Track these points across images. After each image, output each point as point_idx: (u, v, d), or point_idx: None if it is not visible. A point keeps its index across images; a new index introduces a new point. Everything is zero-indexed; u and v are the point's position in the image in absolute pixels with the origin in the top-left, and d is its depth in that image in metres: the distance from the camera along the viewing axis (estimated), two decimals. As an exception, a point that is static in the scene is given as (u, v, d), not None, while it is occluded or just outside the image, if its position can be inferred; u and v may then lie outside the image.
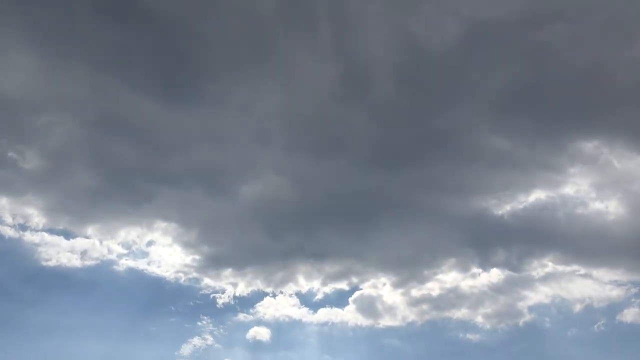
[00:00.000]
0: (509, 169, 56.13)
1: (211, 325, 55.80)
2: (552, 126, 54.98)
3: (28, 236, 55.14)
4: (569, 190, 56.77)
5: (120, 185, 55.75)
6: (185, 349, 54.17)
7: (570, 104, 54.25)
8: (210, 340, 55.21)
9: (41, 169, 54.02)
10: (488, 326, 55.29)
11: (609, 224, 55.81)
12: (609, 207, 56.24)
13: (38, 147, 53.65)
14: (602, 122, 54.21)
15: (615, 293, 54.36)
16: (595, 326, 54.03)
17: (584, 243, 55.62)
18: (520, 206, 56.72)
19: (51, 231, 55.99)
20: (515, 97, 54.13)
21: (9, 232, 54.32)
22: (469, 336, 55.50)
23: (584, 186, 56.53)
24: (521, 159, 55.62)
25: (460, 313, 55.93)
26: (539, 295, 55.16)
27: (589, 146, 54.96)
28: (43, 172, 54.14)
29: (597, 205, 56.80)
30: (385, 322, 56.67)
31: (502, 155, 55.62)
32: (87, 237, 56.77)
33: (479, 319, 55.65)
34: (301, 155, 57.34)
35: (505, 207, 56.60)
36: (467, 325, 55.80)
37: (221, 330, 55.99)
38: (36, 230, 55.35)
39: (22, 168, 53.23)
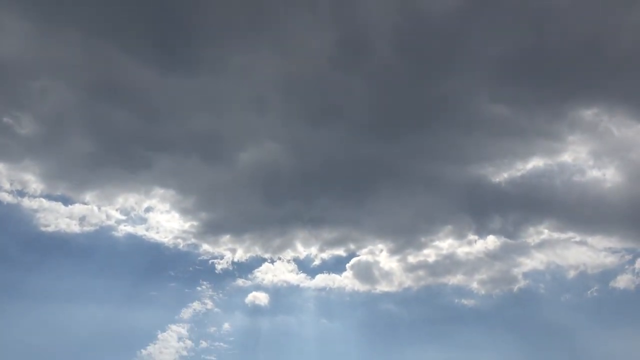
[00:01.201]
0: (507, 136, 56.03)
1: (210, 290, 56.60)
2: (552, 93, 54.63)
3: (26, 202, 55.35)
4: (567, 158, 56.83)
5: (117, 151, 55.64)
6: (186, 313, 55.08)
7: (571, 71, 53.80)
8: (210, 304, 56.09)
9: (37, 134, 53.83)
10: (483, 292, 56.17)
11: (605, 191, 56.10)
12: (607, 175, 56.44)
13: (33, 113, 53.31)
14: (603, 89, 53.87)
15: (610, 260, 55.08)
16: (589, 292, 54.92)
17: (580, 210, 56.04)
18: (518, 174, 56.88)
19: (49, 197, 56.19)
20: (516, 64, 53.64)
21: (8, 198, 54.54)
22: (464, 301, 56.44)
23: (582, 154, 56.58)
24: (520, 127, 55.47)
25: (456, 279, 56.74)
26: (534, 261, 55.86)
27: (588, 114, 54.79)
28: (39, 138, 53.98)
29: (595, 173, 56.99)
30: (382, 287, 57.52)
31: (501, 123, 55.44)
32: (85, 204, 57.02)
33: (474, 285, 56.50)
34: (299, 122, 57.10)
35: (503, 174, 56.77)
36: (462, 291, 56.70)
37: (220, 295, 56.84)
38: (34, 196, 55.52)
39: (18, 133, 53.03)
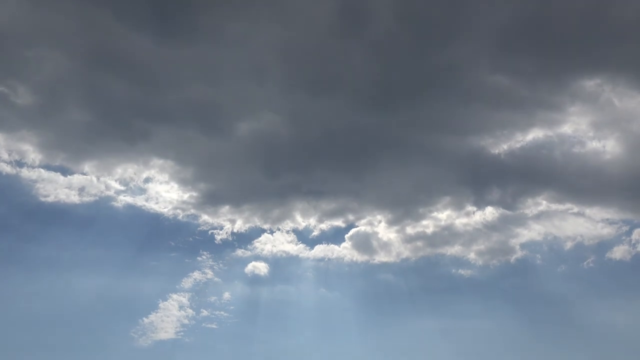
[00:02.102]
0: (507, 107, 55.60)
1: (211, 260, 57.12)
2: (554, 64, 53.94)
3: (25, 172, 55.28)
4: (567, 129, 56.54)
5: (114, 121, 55.28)
6: (186, 283, 55.72)
7: (574, 41, 52.94)
8: (210, 274, 56.69)
9: (34, 104, 53.36)
10: (480, 262, 56.76)
11: (605, 163, 56.04)
12: (606, 147, 56.27)
13: (29, 82, 52.74)
14: (606, 59, 53.07)
15: (607, 231, 55.48)
16: (585, 263, 55.51)
17: (578, 182, 56.10)
18: (518, 145, 56.69)
19: (48, 167, 56.11)
20: (517, 34, 52.74)
21: (6, 169, 54.48)
22: (461, 272, 57.09)
23: (583, 125, 56.26)
24: (521, 98, 54.98)
25: (454, 250, 57.26)
26: (531, 232, 56.28)
27: (590, 84, 54.19)
28: (36, 108, 53.51)
29: (595, 145, 56.81)
30: (380, 258, 58.08)
31: (502, 94, 54.91)
32: (84, 174, 56.98)
33: (472, 256, 57.05)
34: (298, 92, 56.49)
35: (502, 146, 56.57)
36: (459, 262, 57.29)
37: (220, 265, 57.39)
38: (33, 167, 55.43)
39: (15, 103, 52.58)
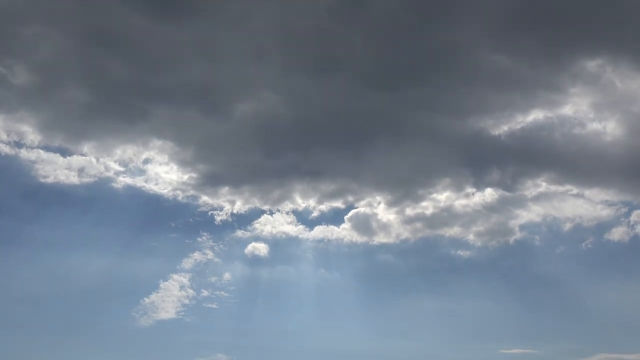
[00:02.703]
0: (508, 88, 55.32)
1: (211, 241, 57.33)
2: (556, 44, 53.53)
3: (24, 153, 55.16)
4: (568, 110, 56.31)
5: (113, 102, 54.99)
6: (187, 263, 56.01)
7: (575, 21, 52.55)
8: (210, 255, 56.96)
9: (32, 84, 53.02)
10: (479, 243, 56.99)
11: (605, 144, 55.95)
12: (607, 128, 56.11)
13: (26, 62, 52.40)
14: (607, 40, 52.70)
15: (605, 213, 55.62)
16: (583, 244, 55.75)
17: (578, 163, 56.05)
18: (518, 126, 56.50)
19: (47, 148, 55.95)
20: (519, 14, 52.28)
21: (5, 150, 54.34)
22: (460, 253, 57.38)
23: (583, 106, 56.03)
24: (522, 79, 54.69)
25: (453, 231, 57.43)
26: (530, 214, 56.40)
27: (591, 65, 53.84)
28: (34, 88, 53.21)
29: (595, 126, 56.64)
30: (380, 239, 58.28)
31: (503, 75, 54.60)
32: (84, 155, 56.86)
33: (471, 237, 57.25)
34: (297, 73, 56.13)
35: (503, 127, 56.39)
36: (458, 243, 57.52)
37: (220, 246, 57.63)
38: (32, 148, 55.29)
39: (12, 83, 52.27)
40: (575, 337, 51.73)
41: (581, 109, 56.04)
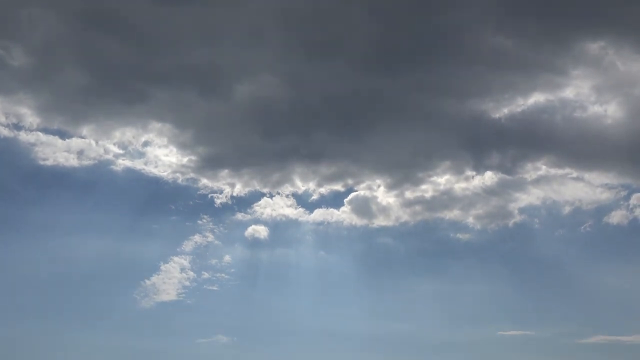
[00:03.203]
0: (509, 70, 54.82)
1: (211, 223, 57.48)
2: (558, 26, 52.95)
3: (23, 136, 55.05)
4: (569, 93, 55.93)
5: (111, 84, 54.69)
6: (187, 246, 56.25)
7: (577, 2, 51.94)
8: (210, 237, 57.17)
9: (30, 66, 52.71)
10: (478, 226, 57.12)
11: (605, 127, 55.68)
12: (608, 111, 55.79)
13: (24, 43, 51.99)
14: (610, 21, 52.11)
15: (605, 196, 55.62)
16: (582, 227, 55.88)
17: (579, 146, 55.89)
18: (519, 109, 56.19)
19: (46, 131, 55.80)
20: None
21: (4, 132, 54.21)
22: (459, 236, 57.56)
23: (585, 89, 55.65)
24: (523, 61, 54.17)
25: (452, 214, 57.51)
26: (530, 197, 56.42)
27: (594, 47, 53.31)
28: (32, 70, 52.89)
29: (596, 109, 56.32)
30: (379, 222, 58.41)
31: (504, 57, 54.07)
32: (83, 137, 56.72)
33: (470, 220, 57.36)
34: (297, 55, 55.64)
35: (503, 110, 56.09)
36: (458, 226, 57.67)
37: (221, 229, 57.81)
38: (30, 130, 55.14)
39: (10, 65, 51.94)
40: (573, 320, 52.25)
41: (582, 92, 55.74)
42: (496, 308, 54.58)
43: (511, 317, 52.86)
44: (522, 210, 56.41)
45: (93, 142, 56.87)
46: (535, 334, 51.58)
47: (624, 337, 49.80)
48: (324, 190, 58.60)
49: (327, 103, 57.08)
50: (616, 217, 54.53)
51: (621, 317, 50.37)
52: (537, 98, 55.87)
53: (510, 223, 56.32)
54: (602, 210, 55.17)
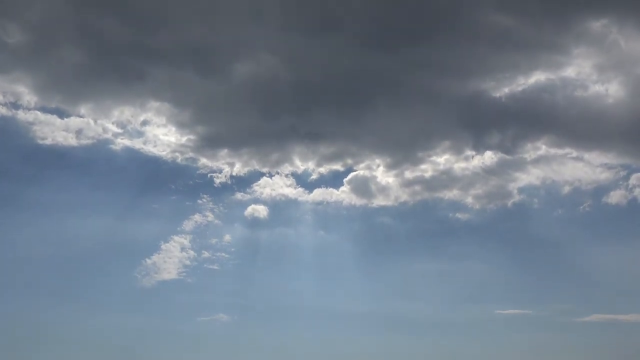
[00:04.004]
0: (511, 49, 54.28)
1: (211, 203, 57.55)
2: (560, 3, 52.27)
3: (21, 115, 54.73)
4: (570, 72, 55.50)
5: (109, 62, 54.21)
6: (187, 225, 56.40)
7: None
8: (210, 217, 57.29)
9: (26, 44, 52.08)
10: (477, 206, 57.21)
11: (606, 107, 55.39)
12: (609, 90, 55.42)
13: (19, 21, 51.30)
14: (613, -1, 51.52)
15: (604, 176, 55.60)
16: (581, 207, 56.00)
17: (579, 126, 55.67)
18: (519, 88, 55.79)
19: (44, 110, 55.44)
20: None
21: (2, 111, 53.86)
22: (458, 215, 57.71)
23: (587, 68, 55.20)
24: (525, 39, 53.62)
25: (452, 194, 57.55)
26: (529, 177, 56.39)
27: (597, 25, 52.70)
28: (28, 48, 52.28)
29: (597, 88, 55.94)
30: (379, 202, 58.48)
31: (506, 35, 53.48)
32: (81, 116, 56.41)
33: (469, 200, 57.41)
34: (296, 33, 55.00)
35: (504, 89, 55.70)
36: (457, 206, 57.76)
37: (221, 208, 57.90)
38: (28, 109, 54.80)
39: (6, 43, 51.29)
40: (571, 299, 52.73)
41: (584, 71, 55.30)
42: (494, 287, 55.09)
43: (509, 296, 53.38)
44: (521, 190, 56.51)
45: (91, 121, 56.67)
46: (533, 313, 52.15)
47: (621, 315, 50.38)
48: (323, 170, 58.60)
49: (326, 82, 56.71)
50: (615, 197, 54.67)
51: (619, 296, 50.85)
52: (538, 77, 55.51)
53: (509, 203, 56.48)
54: (601, 190, 55.28)
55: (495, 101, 56.03)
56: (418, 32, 54.63)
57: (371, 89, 56.78)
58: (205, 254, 55.52)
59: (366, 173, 58.71)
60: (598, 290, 52.04)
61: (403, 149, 57.50)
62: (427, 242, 58.27)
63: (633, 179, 54.36)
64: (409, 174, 57.89)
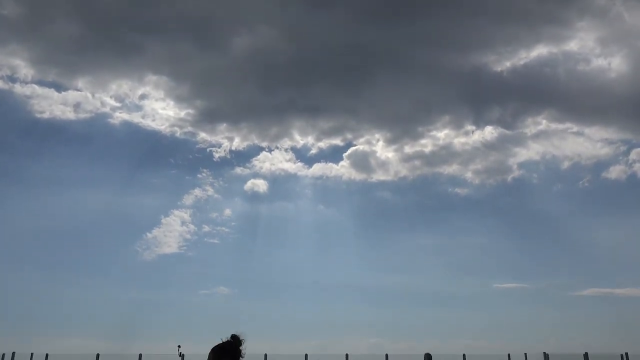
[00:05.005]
0: (513, 22, 53.68)
1: (210, 177, 57.52)
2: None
3: (18, 88, 54.30)
4: (573, 45, 54.94)
5: (105, 34, 53.57)
6: (187, 199, 56.46)
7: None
8: (210, 191, 57.33)
9: (20, 15, 51.46)
10: (477, 181, 57.19)
11: (608, 81, 54.99)
12: (612, 64, 54.94)
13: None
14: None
15: (605, 151, 55.46)
16: (580, 183, 56.02)
17: (580, 100, 55.33)
18: (521, 62, 55.29)
19: (41, 83, 54.98)
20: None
21: (-1, 84, 53.37)
22: (458, 190, 57.75)
23: (589, 41, 54.63)
24: (527, 11, 52.92)
25: (451, 169, 57.47)
26: (530, 152, 56.22)
27: (601, -3, 52.03)
28: (23, 20, 51.67)
29: (600, 62, 55.45)
30: (378, 176, 58.45)
31: (507, 8, 52.89)
32: (79, 90, 55.98)
33: (469, 175, 57.37)
34: (295, 6, 54.30)
35: (505, 63, 55.20)
36: (456, 181, 57.75)
37: (220, 182, 57.90)
38: (25, 82, 54.34)
39: (1, 15, 50.77)
40: (568, 273, 53.14)
41: (587, 45, 54.75)
42: (493, 261, 55.44)
43: (507, 271, 53.73)
44: (521, 165, 56.43)
45: (89, 95, 56.28)
46: (530, 287, 52.61)
47: (617, 290, 50.83)
48: (322, 144, 58.43)
49: (326, 55, 56.16)
50: (615, 172, 54.63)
51: (615, 271, 51.24)
52: (540, 51, 54.98)
53: (509, 178, 56.46)
54: (601, 165, 55.22)
55: (496, 75, 55.68)
56: (418, 5, 54.04)
57: (371, 63, 56.32)
58: (206, 228, 55.78)
59: (366, 148, 58.63)
60: (595, 265, 52.46)
61: (403, 124, 57.35)
62: (426, 217, 58.52)
63: (633, 154, 54.29)
64: (408, 149, 57.83)
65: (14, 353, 23.79)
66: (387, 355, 24.92)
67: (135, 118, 57.35)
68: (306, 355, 23.46)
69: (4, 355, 24.22)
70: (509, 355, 26.26)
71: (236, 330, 8.05)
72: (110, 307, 49.60)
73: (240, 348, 7.91)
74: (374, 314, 50.03)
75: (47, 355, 24.67)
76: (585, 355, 24.21)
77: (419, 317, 52.23)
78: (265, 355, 24.76)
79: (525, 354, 26.11)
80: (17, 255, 50.73)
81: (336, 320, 49.89)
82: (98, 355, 24.37)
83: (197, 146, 57.98)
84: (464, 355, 26.22)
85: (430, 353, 23.93)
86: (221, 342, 8.02)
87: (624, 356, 24.74)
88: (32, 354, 24.43)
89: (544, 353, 25.83)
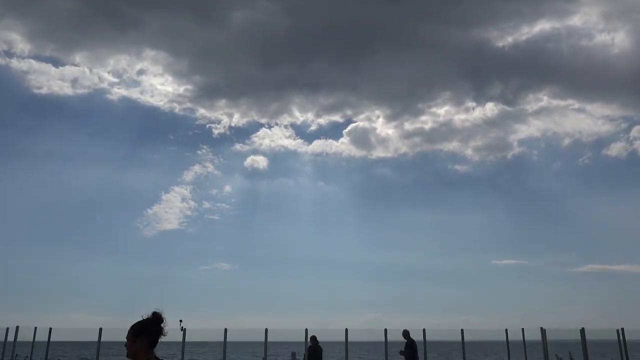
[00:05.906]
0: (516, -3, 52.91)
1: (210, 154, 57.69)
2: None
3: (15, 63, 54.13)
4: (576, 20, 54.80)
5: (102, 8, 53.21)
6: (187, 176, 56.69)
7: None
8: (210, 167, 57.54)
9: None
10: (477, 158, 57.42)
11: (611, 57, 54.83)
12: (615, 40, 55.01)
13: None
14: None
15: (606, 128, 55.52)
16: (580, 160, 56.00)
17: (582, 77, 55.17)
18: (523, 38, 55.13)
19: (38, 58, 54.96)
20: None
21: (-5, 59, 52.81)
22: (457, 167, 57.87)
23: (593, 16, 54.63)
24: (530, -13, 52.16)
25: (451, 145, 57.61)
26: (530, 128, 56.39)
27: (604, -28, 51.23)
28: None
29: (604, 38, 55.40)
30: (378, 153, 58.58)
31: (511, -18, 52.05)
32: (76, 65, 55.75)
33: (469, 152, 57.49)
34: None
35: (507, 38, 55.19)
36: (456, 157, 57.90)
37: (220, 159, 58.08)
38: (22, 57, 53.99)
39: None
40: (566, 250, 53.66)
41: (591, 19, 54.84)
42: (491, 238, 55.89)
43: (505, 247, 54.34)
44: (521, 142, 56.62)
45: (87, 70, 56.18)
46: (528, 263, 53.11)
47: (614, 266, 51.31)
48: (322, 120, 58.48)
49: (326, 31, 55.70)
50: (615, 149, 54.82)
51: (613, 247, 51.71)
52: (543, 26, 54.89)
53: (509, 155, 56.64)
54: (601, 142, 55.50)
55: (497, 51, 55.58)
56: (421, -22, 53.17)
57: (371, 39, 55.93)
58: (206, 205, 56.14)
59: (366, 124, 58.69)
60: (593, 242, 52.89)
61: (403, 100, 57.29)
62: (425, 194, 58.81)
63: (634, 132, 54.47)
64: (408, 126, 58.00)
65: (17, 327, 24.11)
66: (386, 330, 25.27)
67: (134, 94, 57.42)
68: (306, 329, 23.78)
69: (8, 329, 24.55)
70: (506, 330, 26.58)
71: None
72: (111, 283, 50.05)
73: (162, 325, 7.88)
74: (372, 289, 50.44)
75: (50, 329, 24.98)
76: (582, 331, 24.53)
77: (418, 293, 52.82)
78: (266, 329, 25.09)
79: (523, 329, 26.42)
80: (17, 231, 50.91)
81: (336, 296, 50.34)
82: (101, 329, 24.71)
83: (196, 122, 58.09)
84: (462, 330, 26.55)
85: (425, 328, 24.33)
86: (141, 319, 7.93)
87: (620, 331, 25.07)
88: (35, 327, 24.72)
89: (541, 328, 26.14)
